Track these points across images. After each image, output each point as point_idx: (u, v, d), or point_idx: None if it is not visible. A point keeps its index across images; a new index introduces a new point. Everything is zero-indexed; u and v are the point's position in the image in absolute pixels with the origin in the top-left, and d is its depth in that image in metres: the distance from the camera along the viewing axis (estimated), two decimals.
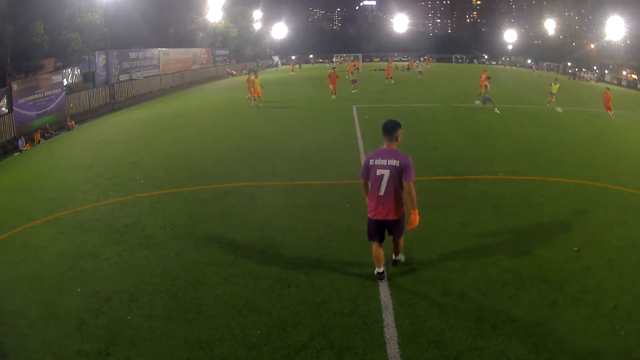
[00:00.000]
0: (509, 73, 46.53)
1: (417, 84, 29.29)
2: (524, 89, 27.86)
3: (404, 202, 4.28)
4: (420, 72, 34.28)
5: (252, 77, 18.89)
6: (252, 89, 18.54)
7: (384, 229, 4.35)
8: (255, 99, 18.67)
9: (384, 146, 4.30)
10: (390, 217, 4.22)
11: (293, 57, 67.56)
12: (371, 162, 4.24)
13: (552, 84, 18.91)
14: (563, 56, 54.82)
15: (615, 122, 15.59)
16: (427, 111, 16.76)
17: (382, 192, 4.16)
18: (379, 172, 4.17)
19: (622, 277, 4.65)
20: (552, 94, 18.56)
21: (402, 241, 4.54)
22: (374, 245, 4.43)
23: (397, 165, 4.13)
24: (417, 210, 4.23)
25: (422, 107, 17.85)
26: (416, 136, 11.39)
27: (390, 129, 4.26)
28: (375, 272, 4.54)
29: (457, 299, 4.25)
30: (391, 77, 29.42)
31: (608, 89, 17.57)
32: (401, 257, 4.80)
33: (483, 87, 16.88)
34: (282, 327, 3.88)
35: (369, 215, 4.32)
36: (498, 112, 15.85)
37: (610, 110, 16.28)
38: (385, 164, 4.16)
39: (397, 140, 4.29)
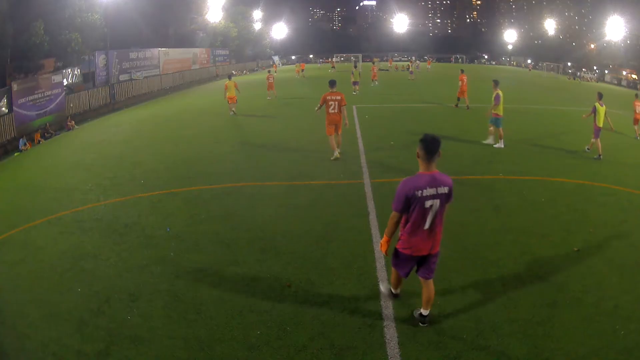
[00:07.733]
0: (507, 73, 46.59)
1: None
2: (520, 89, 27.82)
3: None
4: (418, 70, 33.68)
5: (226, 80, 16.68)
6: (226, 93, 16.25)
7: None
8: (230, 106, 16.55)
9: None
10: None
11: (296, 58, 67.60)
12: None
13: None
14: (563, 56, 54.78)
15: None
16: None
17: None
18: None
19: (622, 277, 4.65)
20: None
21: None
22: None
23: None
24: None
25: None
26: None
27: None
28: None
29: (457, 299, 4.25)
30: (376, 79, 27.48)
31: (637, 95, 13.15)
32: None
33: None
34: (282, 327, 3.88)
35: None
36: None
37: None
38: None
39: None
